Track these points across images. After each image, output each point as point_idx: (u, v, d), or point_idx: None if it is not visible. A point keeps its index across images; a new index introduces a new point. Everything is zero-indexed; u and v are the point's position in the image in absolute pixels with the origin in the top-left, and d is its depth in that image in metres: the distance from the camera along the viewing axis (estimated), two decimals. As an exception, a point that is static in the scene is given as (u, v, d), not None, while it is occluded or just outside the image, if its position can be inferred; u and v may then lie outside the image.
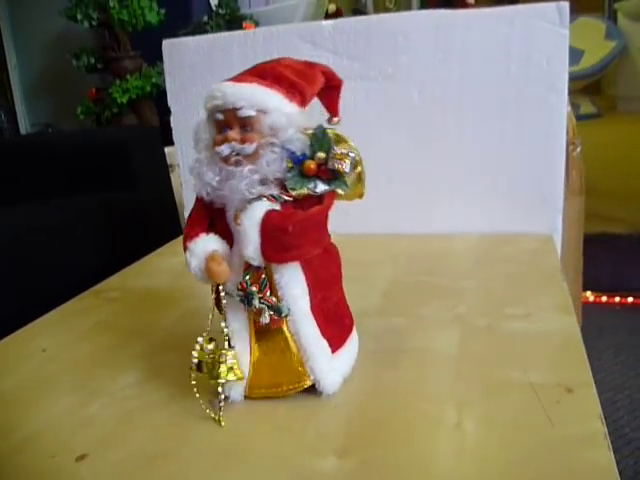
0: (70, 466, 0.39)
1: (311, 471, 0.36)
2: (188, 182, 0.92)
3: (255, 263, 0.39)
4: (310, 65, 0.44)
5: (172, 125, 0.91)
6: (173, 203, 1.08)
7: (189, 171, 0.42)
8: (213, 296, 0.42)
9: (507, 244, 0.74)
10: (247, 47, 0.83)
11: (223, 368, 0.40)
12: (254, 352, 0.42)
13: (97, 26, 2.05)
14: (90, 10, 2.00)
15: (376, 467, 0.36)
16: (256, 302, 0.40)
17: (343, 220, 0.85)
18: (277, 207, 0.39)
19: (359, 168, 0.41)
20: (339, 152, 0.39)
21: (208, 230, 0.42)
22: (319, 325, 0.42)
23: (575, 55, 2.08)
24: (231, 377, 0.40)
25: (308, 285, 0.41)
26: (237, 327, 0.42)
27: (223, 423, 0.41)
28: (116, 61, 2.07)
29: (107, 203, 1.15)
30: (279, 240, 0.38)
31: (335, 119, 0.46)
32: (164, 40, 0.89)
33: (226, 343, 0.42)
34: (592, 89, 2.14)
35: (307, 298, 0.41)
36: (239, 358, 0.41)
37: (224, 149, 0.39)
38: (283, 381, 0.42)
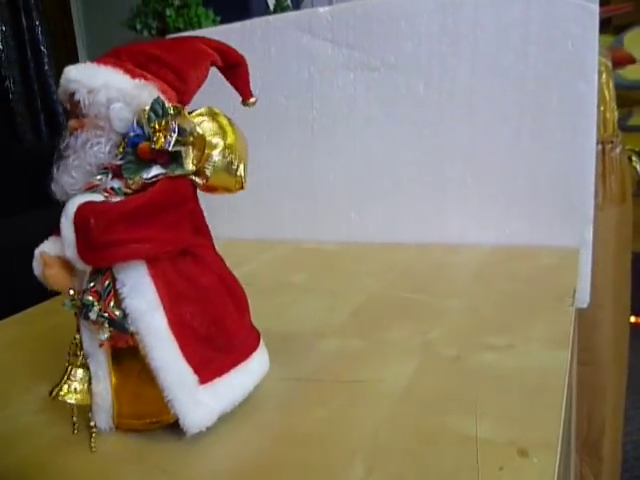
0: None
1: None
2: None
3: (78, 267, 0.33)
4: (191, 41, 0.38)
5: (175, 124, 0.87)
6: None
7: None
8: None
9: (520, 258, 0.63)
10: (245, 39, 0.78)
11: (65, 386, 0.34)
12: (113, 376, 0.35)
13: (156, 35, 2.09)
14: (149, 19, 2.04)
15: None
16: (92, 314, 0.33)
17: (344, 228, 0.78)
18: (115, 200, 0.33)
19: (228, 156, 0.35)
20: (162, 125, 0.32)
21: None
22: (182, 347, 0.34)
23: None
24: (69, 399, 0.34)
25: (161, 297, 0.34)
26: (90, 345, 0.35)
27: (94, 449, 0.35)
28: (173, 69, 2.09)
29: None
30: (86, 236, 0.31)
31: (251, 99, 0.41)
32: (167, 36, 0.85)
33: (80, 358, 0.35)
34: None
35: (159, 313, 0.34)
36: (100, 383, 0.35)
37: (70, 141, 0.34)
38: (145, 412, 0.35)
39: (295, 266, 0.69)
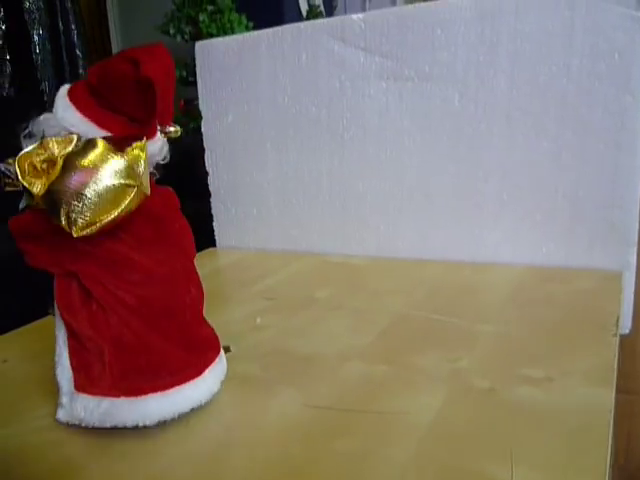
0: None
1: None
2: (217, 191, 0.86)
3: None
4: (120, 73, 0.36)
5: (203, 130, 0.86)
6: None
7: None
8: None
9: (558, 280, 0.59)
10: (275, 46, 0.76)
11: None
12: None
13: (189, 40, 2.10)
14: (183, 25, 2.05)
15: None
16: None
17: (372, 241, 0.75)
18: None
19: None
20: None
21: None
22: (70, 347, 0.37)
23: None
24: None
25: (58, 304, 0.37)
26: None
27: None
28: (205, 73, 2.10)
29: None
30: None
31: (169, 128, 0.37)
32: (197, 43, 0.84)
33: None
34: None
35: (58, 316, 0.37)
36: None
37: None
38: None
39: (320, 281, 0.67)
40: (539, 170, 0.63)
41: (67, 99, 0.37)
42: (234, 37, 0.81)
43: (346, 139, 0.73)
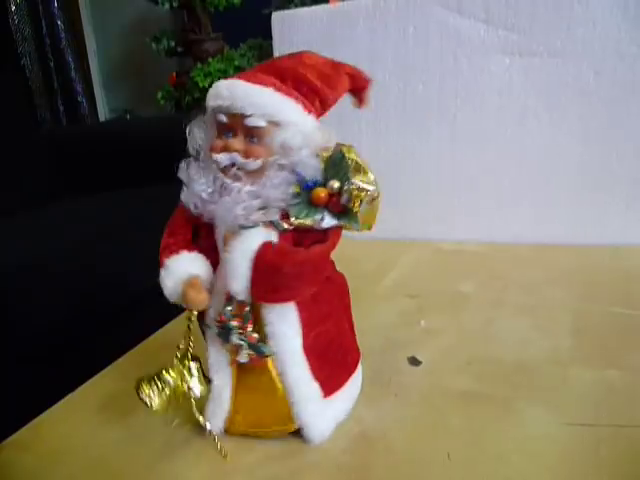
0: None
1: None
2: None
3: (240, 298, 0.34)
4: (335, 66, 0.37)
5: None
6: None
7: (178, 173, 0.35)
8: (188, 320, 0.36)
9: None
10: (375, 20, 0.70)
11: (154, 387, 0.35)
12: (235, 389, 0.38)
13: (177, 7, 1.97)
14: (171, -9, 1.92)
15: None
16: (234, 338, 0.35)
17: (484, 227, 0.72)
18: (274, 236, 0.33)
19: (375, 202, 0.35)
20: (357, 186, 0.33)
21: (191, 245, 0.36)
22: (311, 366, 0.36)
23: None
24: (149, 400, 0.35)
25: (302, 322, 0.36)
26: (217, 360, 0.37)
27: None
28: (197, 44, 1.98)
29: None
30: (272, 279, 0.33)
31: (365, 106, 0.39)
32: (273, 13, 0.77)
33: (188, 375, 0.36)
34: None
35: (299, 337, 0.36)
36: (220, 392, 0.38)
37: (223, 159, 0.33)
38: (267, 422, 0.38)
39: (452, 272, 0.63)
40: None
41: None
42: (322, 7, 0.74)
43: (459, 120, 0.69)
